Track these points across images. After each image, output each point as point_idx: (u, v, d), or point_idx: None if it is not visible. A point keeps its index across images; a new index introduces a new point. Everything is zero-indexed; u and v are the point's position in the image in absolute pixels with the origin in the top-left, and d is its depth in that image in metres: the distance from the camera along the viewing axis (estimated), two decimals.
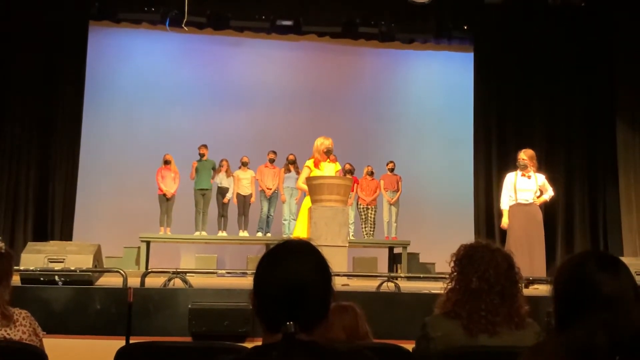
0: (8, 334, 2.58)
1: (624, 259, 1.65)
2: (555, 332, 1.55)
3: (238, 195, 10.60)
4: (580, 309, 1.49)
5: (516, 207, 7.17)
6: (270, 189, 10.63)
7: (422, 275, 8.09)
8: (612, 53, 10.65)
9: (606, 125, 10.77)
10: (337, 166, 7.35)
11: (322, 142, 7.17)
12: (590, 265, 1.55)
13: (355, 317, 2.53)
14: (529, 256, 6.88)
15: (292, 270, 1.44)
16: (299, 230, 7.03)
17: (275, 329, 1.39)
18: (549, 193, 7.38)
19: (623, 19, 10.30)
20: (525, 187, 7.18)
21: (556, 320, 1.56)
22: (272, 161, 10.82)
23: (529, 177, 7.20)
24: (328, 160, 7.20)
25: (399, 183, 11.03)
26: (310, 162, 7.21)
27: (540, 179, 7.32)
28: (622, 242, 10.13)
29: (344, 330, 2.47)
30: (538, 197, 7.28)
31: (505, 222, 7.22)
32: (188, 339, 4.42)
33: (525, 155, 7.24)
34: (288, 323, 1.36)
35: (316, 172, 7.06)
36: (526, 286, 5.87)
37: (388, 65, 12.50)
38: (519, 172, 7.25)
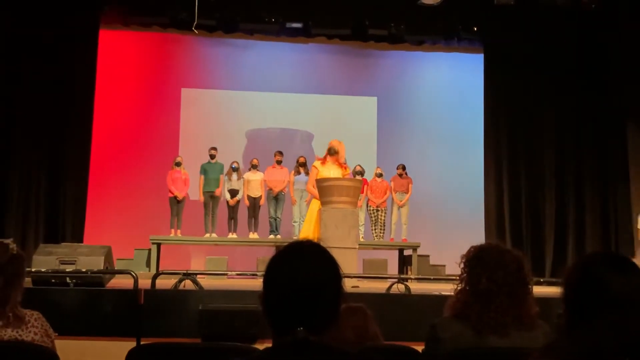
0: (20, 335, 2.59)
1: (635, 260, 1.64)
2: (565, 333, 1.55)
3: (248, 197, 10.60)
4: (590, 310, 1.48)
5: None
6: (276, 188, 10.61)
7: (432, 277, 8.09)
8: (622, 55, 10.58)
9: (617, 124, 10.72)
10: (346, 172, 7.38)
11: (330, 144, 7.29)
12: (600, 265, 1.54)
13: (364, 318, 2.53)
14: None
15: (302, 272, 1.41)
16: (306, 231, 7.06)
17: (285, 332, 1.37)
18: None
19: (633, 21, 10.24)
20: None
21: (566, 321, 1.55)
22: (279, 162, 10.82)
23: None
24: (337, 163, 7.22)
25: (410, 185, 10.97)
26: (317, 162, 7.27)
27: None
28: (633, 243, 10.07)
29: (353, 331, 2.47)
30: None
31: None
32: (198, 340, 4.43)
33: None
34: (299, 329, 1.35)
35: (323, 171, 7.08)
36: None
37: (397, 67, 12.48)
38: None
